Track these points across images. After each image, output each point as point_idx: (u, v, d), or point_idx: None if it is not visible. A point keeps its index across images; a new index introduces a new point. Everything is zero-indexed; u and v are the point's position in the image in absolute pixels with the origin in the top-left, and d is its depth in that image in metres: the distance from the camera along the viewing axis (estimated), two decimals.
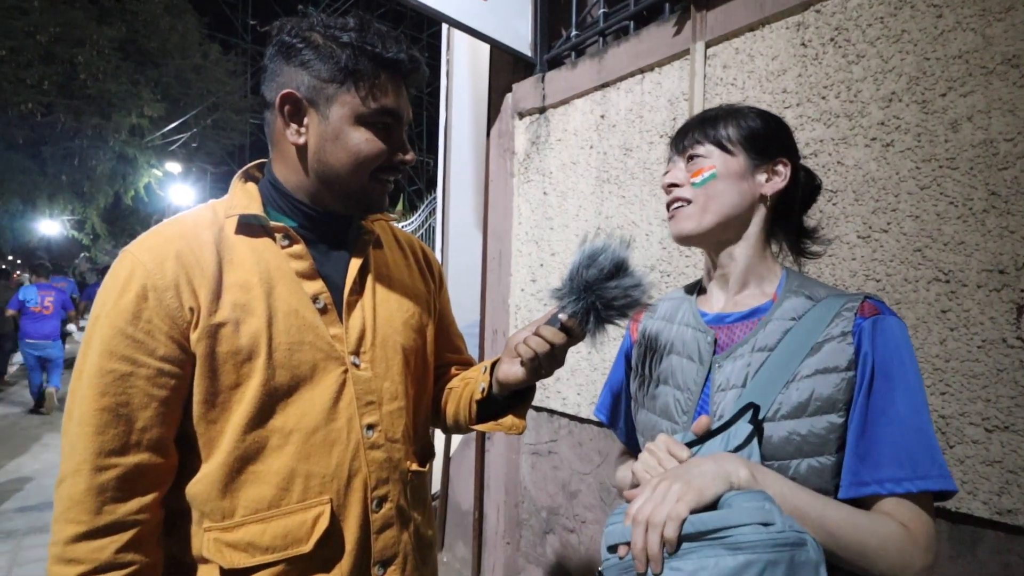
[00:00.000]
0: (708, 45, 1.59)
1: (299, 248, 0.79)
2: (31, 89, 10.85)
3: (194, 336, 0.70)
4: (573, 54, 2.11)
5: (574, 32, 2.09)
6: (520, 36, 2.18)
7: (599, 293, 0.74)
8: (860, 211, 1.26)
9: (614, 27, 1.97)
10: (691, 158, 0.83)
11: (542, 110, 2.17)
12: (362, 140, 0.76)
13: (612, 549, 0.61)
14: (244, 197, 0.79)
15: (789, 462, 0.68)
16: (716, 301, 0.85)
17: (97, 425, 0.67)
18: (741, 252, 0.82)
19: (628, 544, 0.59)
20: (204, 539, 0.72)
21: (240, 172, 0.84)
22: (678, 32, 1.66)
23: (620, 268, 0.75)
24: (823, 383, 0.68)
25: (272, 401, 0.74)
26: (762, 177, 0.81)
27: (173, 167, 13.36)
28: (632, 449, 0.99)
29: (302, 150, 0.77)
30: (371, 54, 0.75)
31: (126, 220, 14.31)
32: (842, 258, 1.28)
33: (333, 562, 0.76)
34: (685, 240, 0.83)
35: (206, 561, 0.73)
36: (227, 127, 14.57)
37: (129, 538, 0.67)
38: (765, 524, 0.53)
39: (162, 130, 12.69)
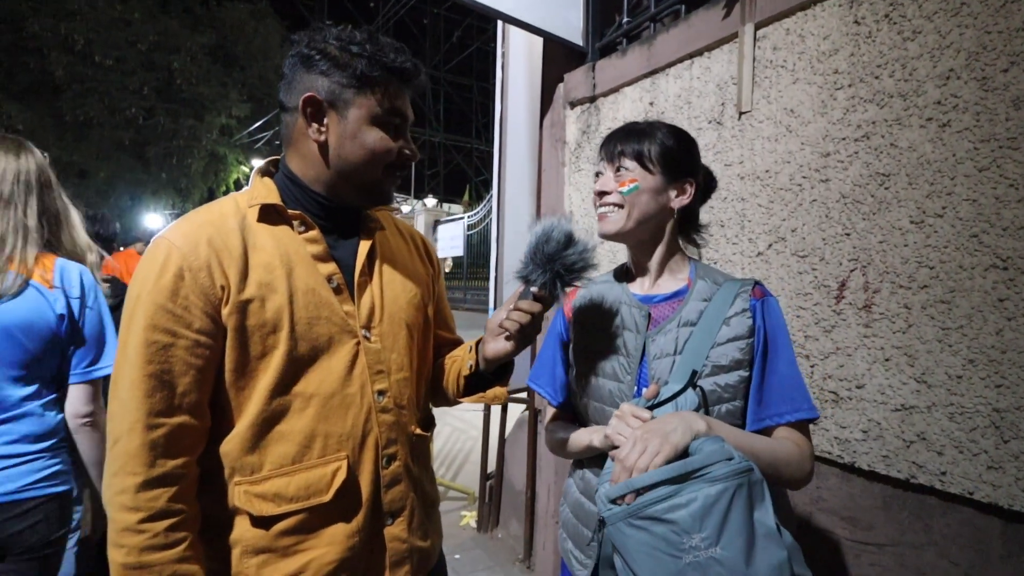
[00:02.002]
0: (758, 27, 1.55)
1: (314, 233, 0.88)
2: (134, 95, 11.91)
3: (225, 311, 0.79)
4: (624, 41, 2.10)
5: (626, 18, 2.08)
6: (572, 26, 2.19)
7: (561, 261, 0.87)
8: (914, 195, 1.20)
9: (666, 11, 1.95)
10: (619, 169, 0.99)
11: (592, 99, 2.18)
12: (376, 138, 0.87)
13: (614, 501, 0.75)
14: (264, 189, 0.88)
15: (713, 407, 0.89)
16: (641, 286, 1.04)
17: (146, 389, 0.75)
18: (657, 250, 1.02)
19: (633, 493, 0.73)
20: (235, 492, 0.81)
21: (257, 167, 0.95)
22: (727, 14, 1.62)
23: (570, 239, 0.88)
24: (733, 348, 0.90)
25: (294, 369, 0.83)
26: (673, 193, 0.99)
27: (259, 163, 14.27)
28: (566, 412, 1.13)
29: (323, 147, 0.87)
30: (383, 63, 0.85)
31: None
32: (894, 244, 1.23)
33: (350, 512, 0.86)
34: (612, 237, 0.99)
35: (238, 511, 0.82)
36: None
37: (176, 489, 0.76)
38: (728, 459, 0.72)
39: (248, 129, 13.58)
